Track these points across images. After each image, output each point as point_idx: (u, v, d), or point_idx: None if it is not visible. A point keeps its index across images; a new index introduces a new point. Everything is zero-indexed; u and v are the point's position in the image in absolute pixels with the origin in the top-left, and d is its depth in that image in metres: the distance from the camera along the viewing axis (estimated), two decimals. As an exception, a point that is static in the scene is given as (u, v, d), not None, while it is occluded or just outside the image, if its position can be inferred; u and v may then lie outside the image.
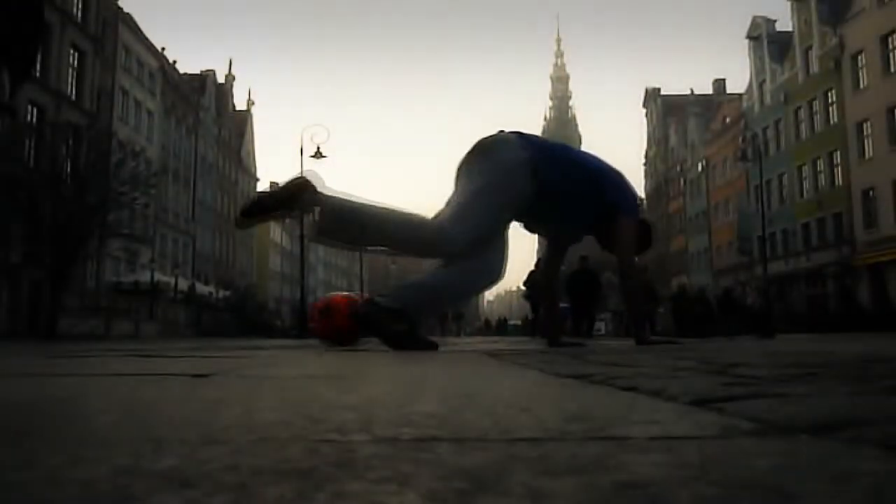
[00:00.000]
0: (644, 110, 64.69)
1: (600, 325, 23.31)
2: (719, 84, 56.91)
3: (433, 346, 4.18)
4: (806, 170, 36.70)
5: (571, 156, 4.78)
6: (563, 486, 0.53)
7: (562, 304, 15.54)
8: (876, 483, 0.54)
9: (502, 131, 4.64)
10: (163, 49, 38.70)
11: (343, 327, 4.67)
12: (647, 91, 63.29)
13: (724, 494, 0.51)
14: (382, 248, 4.58)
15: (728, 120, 47.09)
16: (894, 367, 1.99)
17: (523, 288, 14.39)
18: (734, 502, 0.50)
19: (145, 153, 28.37)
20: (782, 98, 38.41)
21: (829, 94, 34.43)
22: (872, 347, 4.05)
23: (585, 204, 4.63)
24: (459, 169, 4.57)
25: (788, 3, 37.69)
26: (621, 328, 19.35)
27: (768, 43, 40.53)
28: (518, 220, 4.68)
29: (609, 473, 0.57)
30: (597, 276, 14.39)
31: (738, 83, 55.22)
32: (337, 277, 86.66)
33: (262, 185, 61.83)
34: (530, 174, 4.35)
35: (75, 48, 27.67)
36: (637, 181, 66.92)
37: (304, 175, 4.28)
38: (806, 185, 36.90)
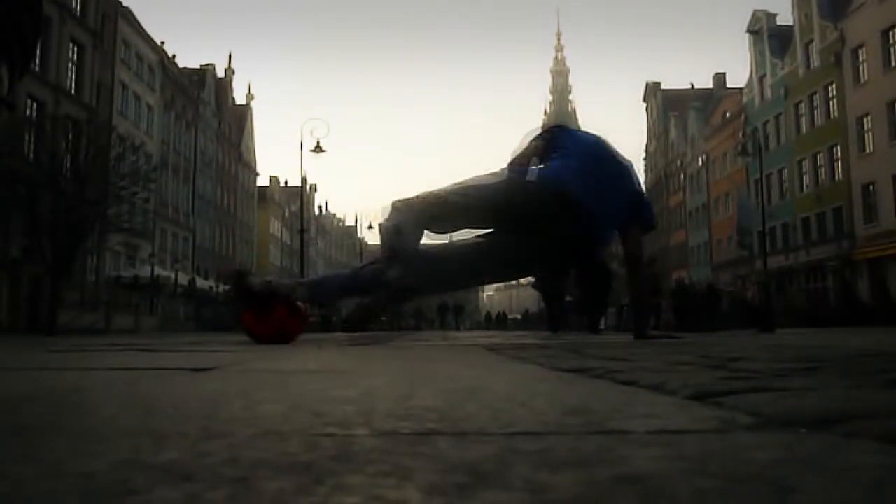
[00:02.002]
0: (644, 104, 64.60)
1: (601, 319, 23.17)
2: (719, 78, 56.82)
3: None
4: (806, 164, 36.67)
5: (607, 171, 4.75)
6: (562, 479, 0.53)
7: (567, 298, 15.40)
8: (875, 477, 0.54)
9: (564, 127, 4.80)
10: (162, 43, 38.62)
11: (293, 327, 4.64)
12: (647, 85, 63.18)
13: (724, 488, 0.51)
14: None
15: (728, 114, 47.03)
16: (894, 361, 1.99)
17: (531, 279, 14.21)
18: (733, 495, 0.50)
19: (145, 147, 28.29)
20: (782, 92, 38.35)
21: (830, 89, 34.37)
22: (872, 341, 4.05)
23: (615, 220, 4.73)
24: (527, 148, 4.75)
25: (789, -3, 37.63)
26: (622, 322, 19.32)
27: (769, 37, 40.45)
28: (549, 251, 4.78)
29: (608, 467, 0.57)
30: (608, 266, 14.06)
31: (738, 77, 55.19)
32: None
33: (262, 180, 61.84)
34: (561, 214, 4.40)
35: (74, 42, 27.62)
36: (637, 175, 66.75)
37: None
38: (806, 179, 36.87)
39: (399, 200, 4.51)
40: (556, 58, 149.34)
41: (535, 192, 4.49)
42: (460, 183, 4.56)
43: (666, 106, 58.84)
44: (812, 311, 27.33)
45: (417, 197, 4.51)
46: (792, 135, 37.76)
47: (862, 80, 31.87)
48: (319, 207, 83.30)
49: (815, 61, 35.48)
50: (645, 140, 65.72)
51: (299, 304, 4.81)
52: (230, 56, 59.67)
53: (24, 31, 1.74)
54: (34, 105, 23.76)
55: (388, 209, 4.48)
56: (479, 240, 4.47)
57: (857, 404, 0.96)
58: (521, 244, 4.45)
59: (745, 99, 43.74)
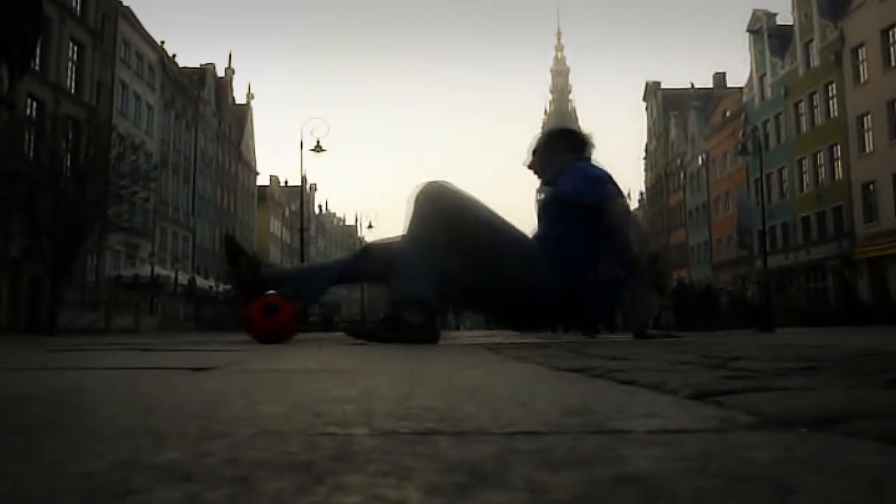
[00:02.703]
0: (644, 104, 64.59)
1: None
2: (720, 77, 56.86)
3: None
4: (806, 163, 36.68)
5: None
6: (562, 479, 0.53)
7: None
8: (875, 477, 0.54)
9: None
10: (162, 42, 38.62)
11: (286, 326, 4.60)
12: (647, 85, 63.19)
13: (724, 487, 0.51)
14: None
15: (728, 113, 47.05)
16: (894, 361, 1.99)
17: None
18: (733, 495, 0.50)
19: (145, 147, 28.29)
20: (782, 91, 38.35)
21: (830, 88, 34.39)
22: (872, 341, 4.05)
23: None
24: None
25: (789, -3, 37.63)
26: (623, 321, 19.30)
27: (769, 36, 40.47)
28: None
29: (608, 466, 0.57)
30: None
31: (738, 77, 55.22)
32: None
33: (262, 179, 61.85)
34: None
35: (74, 42, 27.62)
36: (637, 175, 66.93)
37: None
38: (806, 178, 36.89)
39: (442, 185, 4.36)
40: (556, 57, 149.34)
41: (549, 285, 4.30)
42: (499, 216, 4.42)
43: (666, 105, 58.85)
44: (812, 310, 27.37)
45: (463, 193, 4.38)
46: (792, 134, 37.77)
47: (862, 80, 31.89)
48: (319, 207, 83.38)
49: (815, 60, 35.48)
50: (645, 139, 65.81)
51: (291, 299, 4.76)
52: (230, 56, 59.71)
53: (24, 31, 1.75)
54: (34, 105, 23.77)
55: (430, 185, 4.32)
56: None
57: (857, 404, 0.96)
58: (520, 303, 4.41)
59: (745, 98, 43.75)
